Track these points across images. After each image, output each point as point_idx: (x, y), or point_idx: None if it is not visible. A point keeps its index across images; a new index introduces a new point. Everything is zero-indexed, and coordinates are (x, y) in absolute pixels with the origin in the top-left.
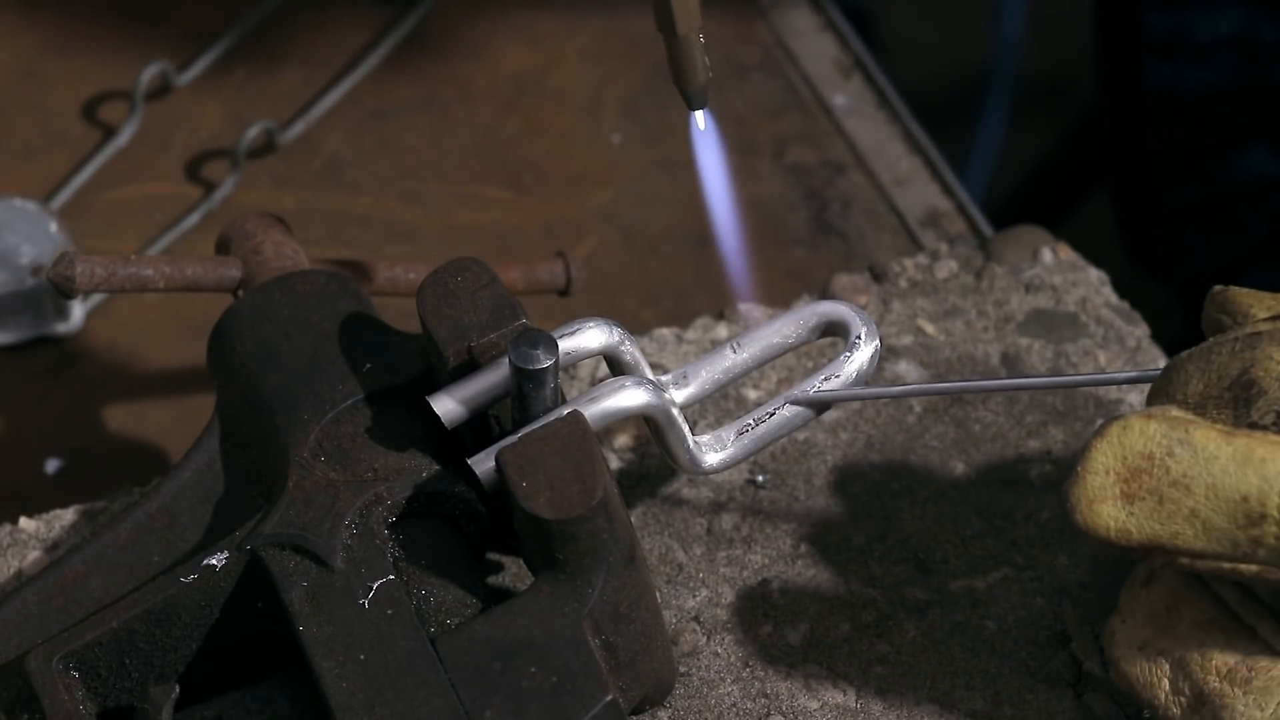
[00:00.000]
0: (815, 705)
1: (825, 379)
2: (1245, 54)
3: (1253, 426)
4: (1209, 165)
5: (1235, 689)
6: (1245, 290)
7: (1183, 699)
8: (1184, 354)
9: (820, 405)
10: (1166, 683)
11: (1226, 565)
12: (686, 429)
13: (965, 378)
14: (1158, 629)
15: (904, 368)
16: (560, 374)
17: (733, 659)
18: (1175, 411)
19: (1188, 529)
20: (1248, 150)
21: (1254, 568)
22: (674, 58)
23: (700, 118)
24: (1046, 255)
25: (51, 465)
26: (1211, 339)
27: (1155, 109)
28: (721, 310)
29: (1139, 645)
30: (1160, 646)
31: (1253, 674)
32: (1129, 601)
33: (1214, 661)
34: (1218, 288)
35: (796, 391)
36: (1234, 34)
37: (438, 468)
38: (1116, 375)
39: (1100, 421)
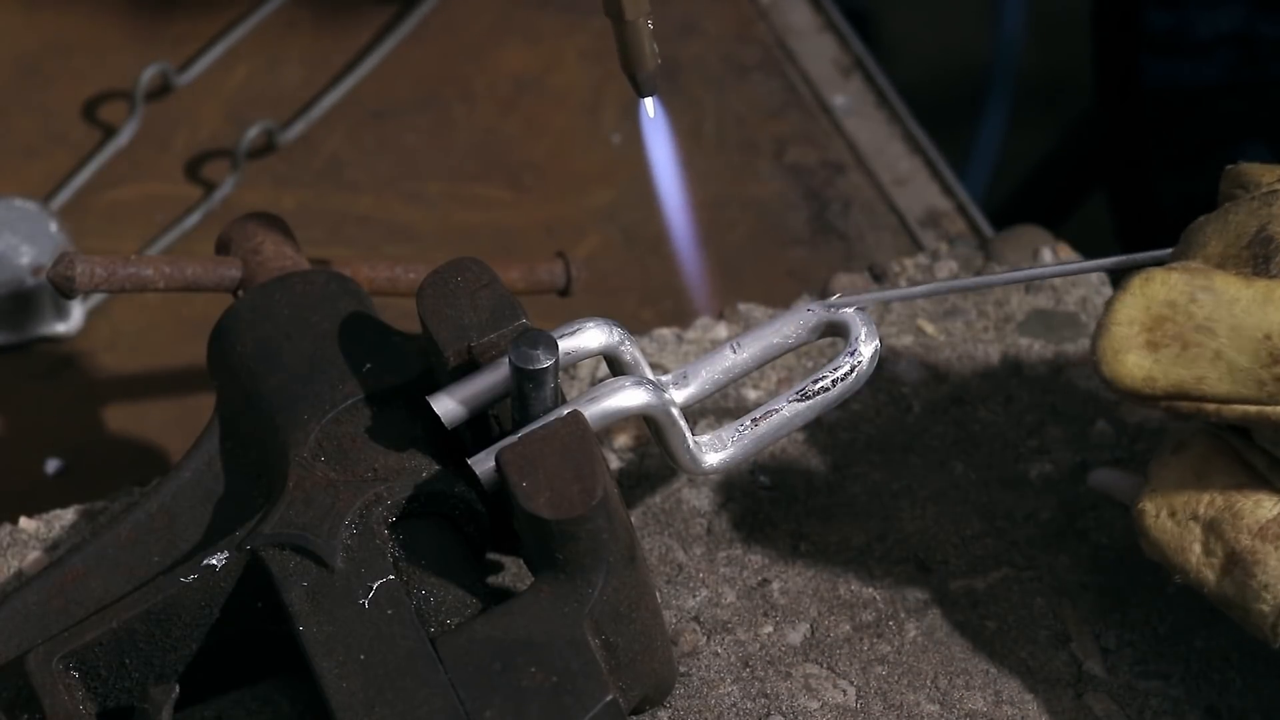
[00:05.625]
0: (815, 705)
1: (825, 379)
2: (1244, 51)
3: (1273, 280)
4: (1207, 162)
5: (1267, 545)
6: (1258, 164)
7: (1215, 560)
8: (1201, 219)
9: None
10: (1198, 546)
11: (1253, 410)
12: (686, 429)
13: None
14: (1187, 495)
15: (904, 368)
16: (560, 374)
17: (733, 659)
18: (1196, 264)
19: (1212, 372)
20: (1245, 147)
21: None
22: (622, 43)
23: (650, 105)
24: (1046, 255)
25: (51, 465)
26: (1228, 203)
27: (1153, 106)
28: (721, 310)
29: (1169, 512)
30: (1191, 511)
31: None
32: (1158, 471)
33: (1245, 521)
34: (1231, 165)
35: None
36: (1233, 31)
37: (438, 468)
38: (1137, 256)
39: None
